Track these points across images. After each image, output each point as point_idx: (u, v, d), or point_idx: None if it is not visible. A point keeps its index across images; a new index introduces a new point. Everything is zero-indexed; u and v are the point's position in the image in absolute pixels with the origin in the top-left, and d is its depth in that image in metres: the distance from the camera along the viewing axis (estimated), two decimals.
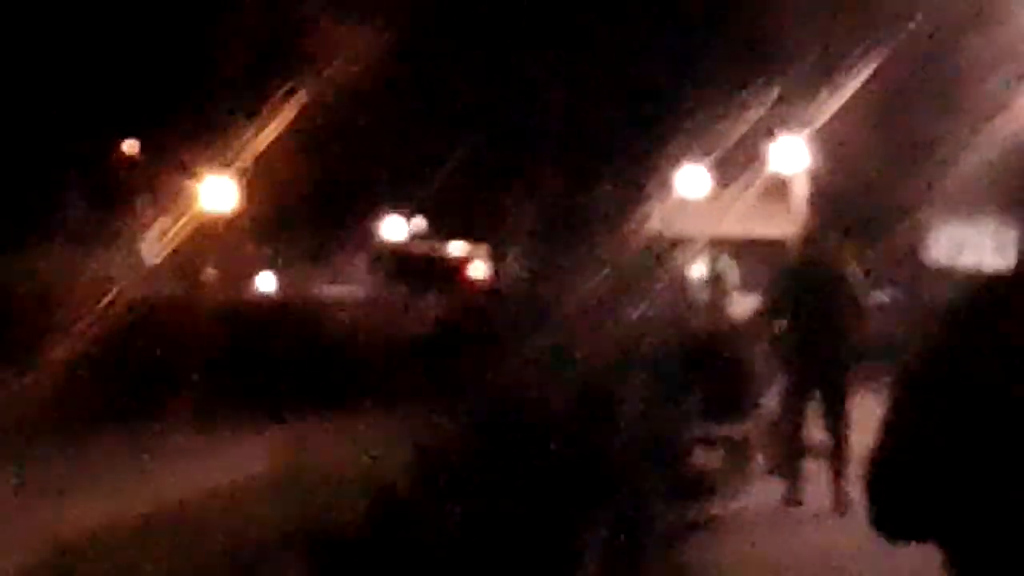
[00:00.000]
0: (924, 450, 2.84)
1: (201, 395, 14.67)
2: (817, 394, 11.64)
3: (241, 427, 14.10)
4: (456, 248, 35.99)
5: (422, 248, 36.36)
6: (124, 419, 13.86)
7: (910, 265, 22.05)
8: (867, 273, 12.78)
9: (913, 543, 2.91)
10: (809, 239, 12.63)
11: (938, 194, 27.47)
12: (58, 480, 11.42)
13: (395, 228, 40.68)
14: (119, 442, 13.24)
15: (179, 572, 8.00)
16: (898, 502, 2.88)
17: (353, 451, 10.22)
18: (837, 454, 11.29)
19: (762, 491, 11.46)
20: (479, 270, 33.89)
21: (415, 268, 32.37)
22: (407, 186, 32.96)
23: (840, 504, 10.96)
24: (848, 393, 11.53)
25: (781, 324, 12.23)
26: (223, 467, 11.76)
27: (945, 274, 25.11)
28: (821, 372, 11.61)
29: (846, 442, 11.28)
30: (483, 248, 34.93)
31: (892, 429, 2.90)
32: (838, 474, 11.20)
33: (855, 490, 11.00)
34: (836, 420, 11.42)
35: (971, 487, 2.81)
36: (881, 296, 21.93)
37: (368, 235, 40.79)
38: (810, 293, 11.69)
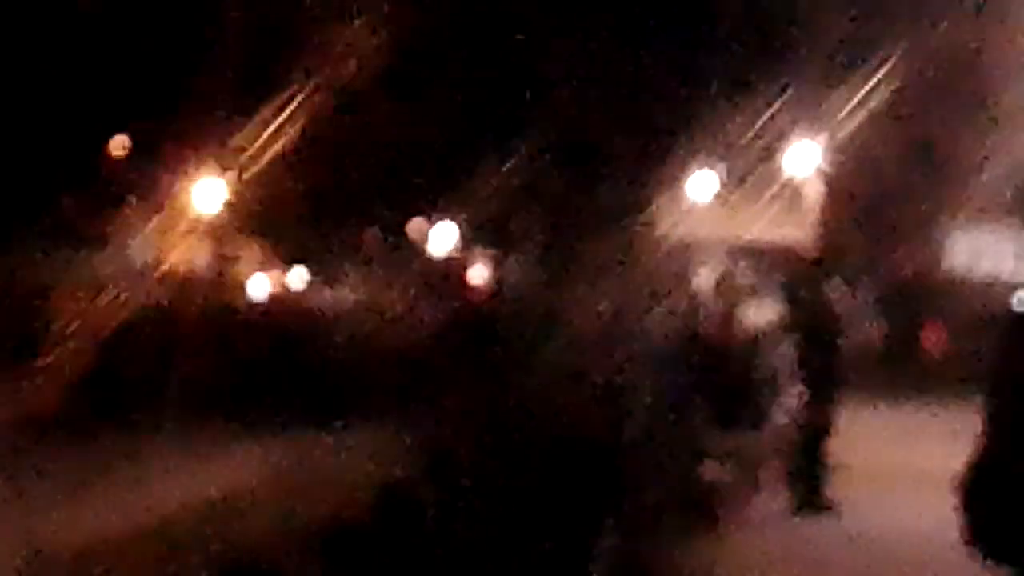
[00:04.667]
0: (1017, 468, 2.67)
1: (194, 401, 14.49)
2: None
3: (237, 435, 13.94)
4: (456, 252, 35.93)
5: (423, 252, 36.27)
6: (115, 426, 13.71)
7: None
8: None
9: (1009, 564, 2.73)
10: (821, 245, 12.47)
11: (958, 200, 27.25)
12: (48, 488, 11.25)
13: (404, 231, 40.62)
14: (111, 448, 13.06)
15: None
16: (994, 521, 2.71)
17: (353, 459, 10.09)
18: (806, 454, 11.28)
19: (770, 501, 11.29)
20: (481, 275, 33.80)
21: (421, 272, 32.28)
22: (408, 189, 32.85)
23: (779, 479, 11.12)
24: (834, 403, 11.38)
25: (794, 332, 12.05)
26: (218, 476, 11.61)
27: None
28: (817, 379, 11.48)
29: (820, 446, 11.30)
30: (486, 252, 34.85)
31: (987, 449, 2.75)
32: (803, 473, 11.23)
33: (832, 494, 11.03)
34: (819, 427, 11.32)
35: None
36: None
37: (370, 238, 40.76)
38: (814, 301, 11.54)
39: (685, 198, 30.21)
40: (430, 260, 34.02)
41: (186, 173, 26.34)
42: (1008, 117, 21.82)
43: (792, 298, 12.20)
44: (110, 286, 17.74)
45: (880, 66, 23.17)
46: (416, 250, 36.07)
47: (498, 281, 30.38)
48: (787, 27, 24.95)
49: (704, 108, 27.17)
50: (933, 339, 19.06)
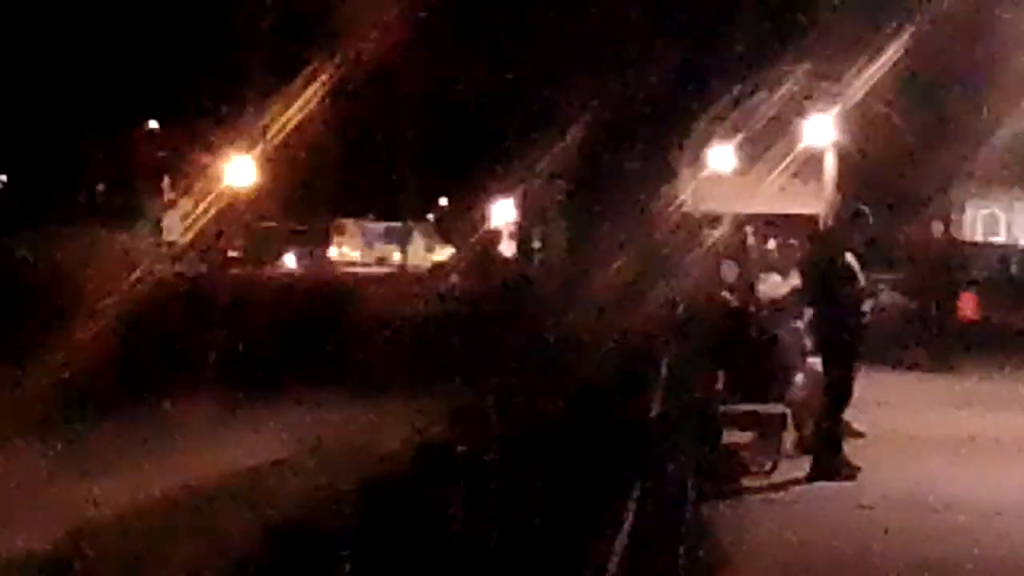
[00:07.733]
0: None
1: (227, 372, 14.66)
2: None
3: (271, 402, 14.08)
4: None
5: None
6: (149, 397, 13.85)
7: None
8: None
9: None
10: (836, 217, 12.53)
11: (972, 171, 27.30)
12: (83, 458, 11.41)
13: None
14: (146, 419, 13.22)
15: (203, 551, 7.98)
16: None
17: (386, 423, 10.18)
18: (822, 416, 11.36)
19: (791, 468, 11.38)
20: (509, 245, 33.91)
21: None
22: (430, 162, 32.98)
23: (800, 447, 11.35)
24: (845, 369, 11.43)
25: (811, 301, 12.15)
26: (251, 444, 11.74)
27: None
28: (830, 347, 11.56)
29: (841, 414, 11.40)
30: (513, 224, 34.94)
31: None
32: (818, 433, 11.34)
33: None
34: (839, 395, 11.39)
35: None
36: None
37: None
38: (829, 271, 11.62)
39: (706, 170, 30.32)
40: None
41: (217, 152, 26.53)
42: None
43: (812, 268, 12.28)
44: (143, 262, 17.93)
45: (895, 39, 23.22)
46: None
47: (529, 248, 30.58)
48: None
49: (724, 82, 27.27)
50: (968, 309, 19.10)
